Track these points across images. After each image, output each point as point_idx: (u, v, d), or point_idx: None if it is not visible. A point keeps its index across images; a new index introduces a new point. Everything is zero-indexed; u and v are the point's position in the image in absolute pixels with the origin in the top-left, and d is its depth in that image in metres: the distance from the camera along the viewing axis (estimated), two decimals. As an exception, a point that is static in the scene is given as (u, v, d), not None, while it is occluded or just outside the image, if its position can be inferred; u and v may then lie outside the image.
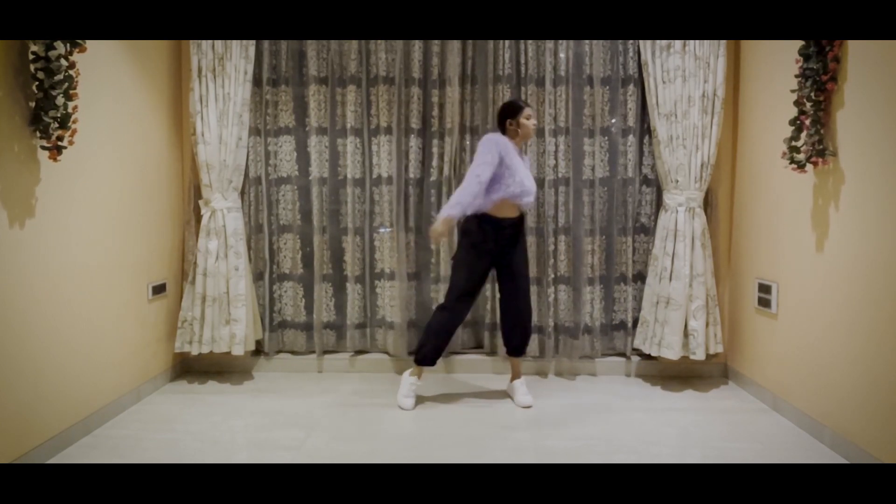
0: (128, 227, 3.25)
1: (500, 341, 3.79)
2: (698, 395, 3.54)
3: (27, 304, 2.54)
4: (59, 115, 2.49)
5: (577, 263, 3.83)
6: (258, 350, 3.96)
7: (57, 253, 2.71)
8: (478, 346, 4.03)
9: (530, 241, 3.82)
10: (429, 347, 3.30)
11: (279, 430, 3.00)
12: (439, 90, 3.84)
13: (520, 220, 3.33)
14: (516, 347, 3.44)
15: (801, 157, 2.84)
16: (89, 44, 2.69)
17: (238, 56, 3.60)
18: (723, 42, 3.53)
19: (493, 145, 3.16)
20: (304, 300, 4.02)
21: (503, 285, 3.39)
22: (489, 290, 3.88)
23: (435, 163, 3.86)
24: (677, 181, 3.57)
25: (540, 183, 3.82)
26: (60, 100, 2.48)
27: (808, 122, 2.83)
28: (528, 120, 3.28)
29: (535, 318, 3.85)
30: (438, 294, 3.87)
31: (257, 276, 3.92)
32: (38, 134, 2.51)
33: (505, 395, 3.50)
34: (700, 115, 3.52)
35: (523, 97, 3.79)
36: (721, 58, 3.51)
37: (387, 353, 3.98)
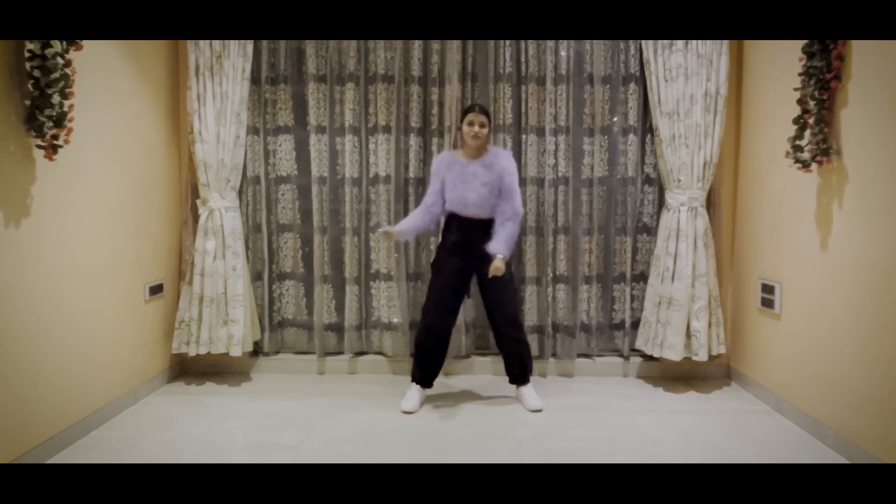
0: (124, 226, 3.22)
1: None
2: (700, 396, 3.51)
3: (24, 305, 2.51)
4: (54, 113, 2.46)
5: (575, 263, 3.81)
6: (256, 351, 3.94)
7: (53, 253, 2.68)
8: (483, 348, 3.99)
9: (530, 240, 3.81)
10: (413, 364, 3.38)
11: (277, 431, 2.98)
12: (439, 88, 3.81)
13: (486, 224, 3.21)
14: (517, 376, 3.36)
15: (806, 155, 2.82)
16: (86, 42, 2.67)
17: (236, 54, 3.57)
18: (725, 40, 3.51)
19: (433, 170, 3.34)
20: (304, 300, 3.99)
21: (484, 300, 3.34)
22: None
23: (435, 162, 3.84)
24: (679, 180, 3.55)
25: (540, 182, 3.79)
26: (56, 98, 2.46)
27: (811, 120, 2.81)
28: (469, 126, 3.17)
29: (535, 318, 3.84)
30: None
31: (255, 277, 3.90)
32: (33, 133, 2.48)
33: (506, 395, 3.47)
34: (703, 113, 3.50)
35: (523, 96, 3.77)
36: (724, 56, 3.49)
37: (383, 354, 3.94)
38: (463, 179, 3.20)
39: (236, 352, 3.55)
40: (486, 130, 3.20)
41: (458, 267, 3.25)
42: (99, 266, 3.01)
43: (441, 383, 3.68)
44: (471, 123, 3.17)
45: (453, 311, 3.32)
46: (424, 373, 3.33)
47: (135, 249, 3.32)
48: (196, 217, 3.72)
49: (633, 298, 3.88)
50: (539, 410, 3.24)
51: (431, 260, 3.42)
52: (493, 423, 3.09)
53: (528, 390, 3.34)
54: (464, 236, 3.23)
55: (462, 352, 3.88)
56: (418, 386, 3.34)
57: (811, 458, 2.70)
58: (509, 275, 3.29)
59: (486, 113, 3.21)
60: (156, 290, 3.53)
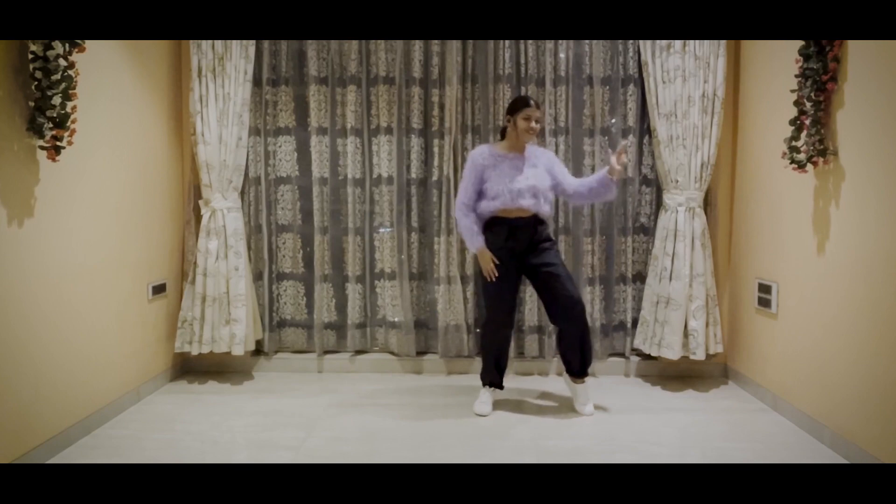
0: (128, 227, 3.25)
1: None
2: (698, 394, 3.54)
3: (27, 305, 2.54)
4: (55, 115, 2.48)
5: (576, 264, 3.83)
6: (258, 350, 3.96)
7: (57, 253, 2.71)
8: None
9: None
10: (483, 367, 3.32)
11: (279, 430, 3.00)
12: (440, 90, 3.84)
13: (533, 221, 3.15)
14: (574, 370, 3.22)
15: (802, 156, 2.84)
16: (89, 44, 2.69)
17: (238, 56, 3.60)
18: (723, 42, 3.53)
19: (469, 165, 3.17)
20: (304, 299, 4.02)
21: (540, 295, 3.22)
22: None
23: (437, 162, 3.85)
24: (677, 181, 3.57)
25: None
26: (57, 99, 2.47)
27: (808, 121, 2.83)
28: (525, 121, 3.07)
29: (535, 319, 3.86)
30: (440, 294, 3.86)
31: (257, 276, 3.92)
32: (34, 134, 2.50)
33: (506, 394, 3.48)
34: (700, 115, 3.52)
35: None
36: (721, 58, 3.51)
37: (389, 352, 3.97)
38: (512, 172, 3.10)
39: (238, 351, 3.57)
40: (540, 126, 3.13)
41: (509, 267, 3.14)
42: (102, 266, 3.03)
43: (442, 382, 3.70)
44: (527, 118, 3.06)
45: (512, 309, 3.24)
46: (494, 374, 3.29)
47: (138, 249, 3.35)
48: (198, 217, 3.75)
49: (631, 298, 3.90)
50: (590, 416, 3.18)
51: (479, 269, 3.27)
52: (493, 422, 3.11)
53: (583, 390, 3.23)
54: (511, 236, 3.11)
55: (465, 352, 3.90)
56: (491, 389, 3.31)
57: (808, 456, 2.72)
58: (560, 261, 3.20)
59: (539, 106, 3.11)
60: (158, 289, 3.55)
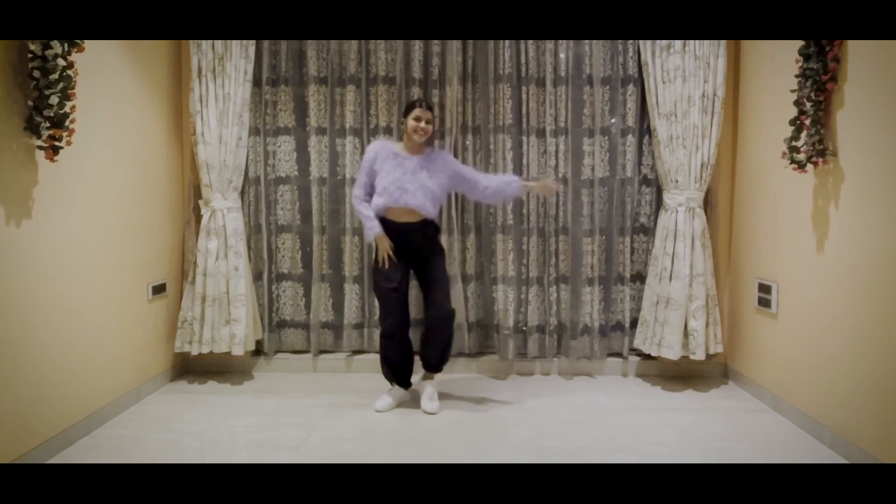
0: (128, 227, 3.25)
1: (511, 342, 3.80)
2: (698, 394, 3.54)
3: (27, 305, 2.53)
4: (52, 114, 2.48)
5: (575, 264, 3.83)
6: (258, 350, 3.96)
7: (57, 253, 2.71)
8: (486, 347, 4.01)
9: (532, 241, 3.83)
10: (382, 365, 3.35)
11: (279, 430, 3.00)
12: (440, 90, 3.84)
13: (421, 225, 3.19)
14: (432, 364, 3.32)
15: (802, 156, 2.85)
16: (89, 44, 2.69)
17: (238, 56, 3.60)
18: (723, 42, 3.53)
19: (365, 157, 3.24)
20: (304, 300, 4.02)
21: (423, 295, 3.32)
22: (495, 290, 3.88)
23: (435, 163, 3.85)
24: (677, 181, 3.57)
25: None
26: (55, 99, 2.46)
27: (808, 122, 2.83)
28: (415, 121, 3.10)
29: (535, 318, 3.86)
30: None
31: (256, 276, 3.92)
32: (31, 133, 2.49)
33: (505, 395, 3.49)
34: (700, 115, 3.52)
35: (524, 97, 3.79)
36: (721, 58, 3.51)
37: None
38: (403, 170, 3.14)
39: (238, 351, 3.57)
40: (431, 127, 3.16)
41: (397, 263, 3.19)
42: (102, 266, 3.03)
43: (441, 382, 3.70)
44: (417, 119, 3.11)
45: (405, 305, 3.29)
46: (397, 374, 3.34)
47: (138, 249, 3.34)
48: (198, 217, 3.75)
49: (630, 298, 3.90)
50: (433, 413, 3.21)
51: (372, 266, 3.33)
52: (493, 422, 3.11)
53: (431, 386, 3.33)
54: (399, 238, 3.18)
55: (465, 350, 3.90)
56: (395, 387, 3.36)
57: (808, 456, 2.72)
58: (443, 270, 3.30)
59: (431, 109, 3.18)
60: (158, 289, 3.55)
